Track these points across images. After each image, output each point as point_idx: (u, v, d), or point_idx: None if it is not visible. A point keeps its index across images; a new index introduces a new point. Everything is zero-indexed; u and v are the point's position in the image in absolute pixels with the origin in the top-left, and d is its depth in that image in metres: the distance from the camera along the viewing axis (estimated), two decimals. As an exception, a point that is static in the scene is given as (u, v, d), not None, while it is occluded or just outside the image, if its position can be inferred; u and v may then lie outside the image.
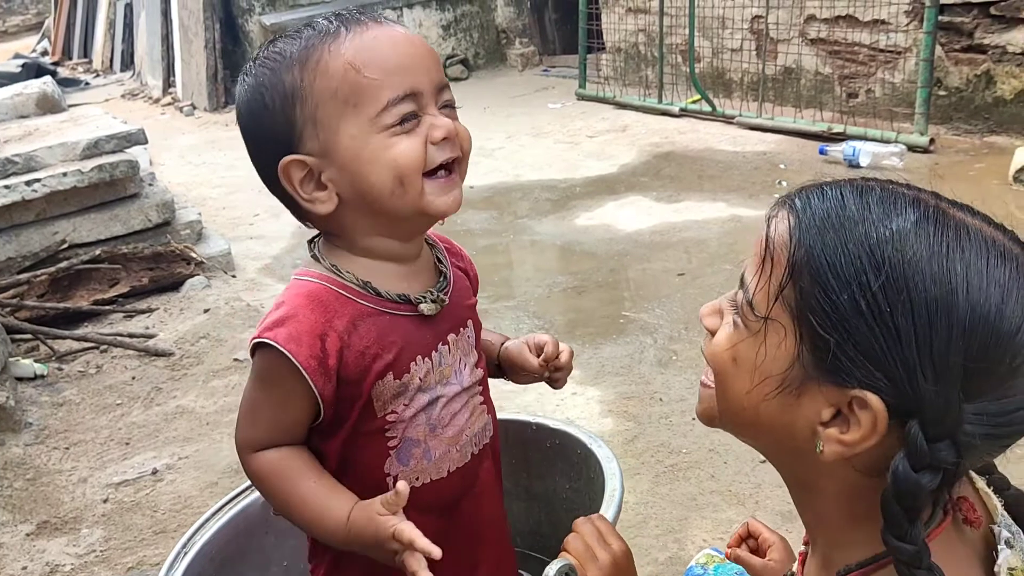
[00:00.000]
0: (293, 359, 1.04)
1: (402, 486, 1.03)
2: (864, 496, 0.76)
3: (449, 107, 1.10)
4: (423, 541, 1.00)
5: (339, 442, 1.12)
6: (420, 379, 1.13)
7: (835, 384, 0.73)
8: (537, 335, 1.41)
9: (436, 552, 1.00)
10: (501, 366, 1.40)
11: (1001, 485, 0.84)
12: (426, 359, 1.14)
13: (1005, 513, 0.81)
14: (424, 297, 1.14)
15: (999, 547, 0.77)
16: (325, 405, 1.08)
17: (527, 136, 5.87)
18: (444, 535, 1.17)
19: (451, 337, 1.17)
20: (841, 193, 0.76)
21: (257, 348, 1.08)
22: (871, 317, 0.70)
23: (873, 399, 0.71)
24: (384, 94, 1.03)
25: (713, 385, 0.85)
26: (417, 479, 1.15)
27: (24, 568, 2.23)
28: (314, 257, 1.14)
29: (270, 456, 1.10)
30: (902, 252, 0.70)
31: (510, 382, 1.40)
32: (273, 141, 1.07)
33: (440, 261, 1.21)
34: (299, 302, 1.08)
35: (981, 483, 0.83)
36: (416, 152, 1.05)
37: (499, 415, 1.49)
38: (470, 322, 1.22)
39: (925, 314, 0.69)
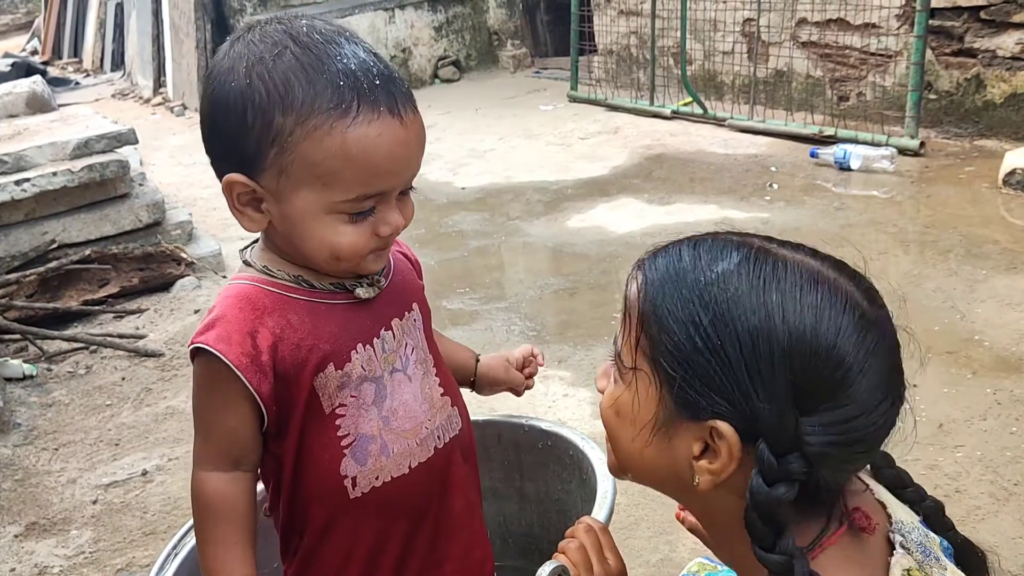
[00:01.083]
0: (224, 358, 1.03)
1: None
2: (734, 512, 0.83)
3: (407, 190, 1.09)
4: None
5: (292, 444, 1.10)
6: (363, 367, 1.11)
7: (693, 419, 0.82)
8: (515, 351, 1.43)
9: None
10: (475, 382, 1.41)
11: (897, 484, 0.92)
12: (367, 346, 1.11)
13: (904, 518, 0.88)
14: (360, 282, 1.12)
15: (895, 551, 0.84)
16: (264, 404, 1.06)
17: (519, 138, 5.87)
18: (413, 536, 1.17)
19: (395, 322, 1.15)
20: (679, 249, 0.87)
21: (194, 356, 1.07)
22: (706, 351, 0.80)
23: (723, 426, 0.79)
24: (357, 190, 1.01)
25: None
26: (377, 478, 1.12)
27: (12, 570, 2.22)
28: (246, 263, 1.13)
29: (215, 483, 1.09)
30: (725, 290, 0.80)
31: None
32: (233, 150, 1.04)
33: None
34: (228, 303, 1.07)
35: (883, 492, 0.91)
36: (360, 243, 1.05)
37: (491, 416, 1.50)
38: (415, 305, 1.20)
39: (749, 341, 0.78)
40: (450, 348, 1.38)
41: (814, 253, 0.86)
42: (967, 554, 0.92)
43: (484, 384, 1.41)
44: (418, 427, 1.15)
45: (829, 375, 0.78)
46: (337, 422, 1.10)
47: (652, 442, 0.86)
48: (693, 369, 0.81)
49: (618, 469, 0.95)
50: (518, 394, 1.45)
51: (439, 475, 1.18)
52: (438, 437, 1.18)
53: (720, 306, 0.80)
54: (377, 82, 1.00)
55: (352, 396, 1.10)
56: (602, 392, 0.94)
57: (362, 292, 1.11)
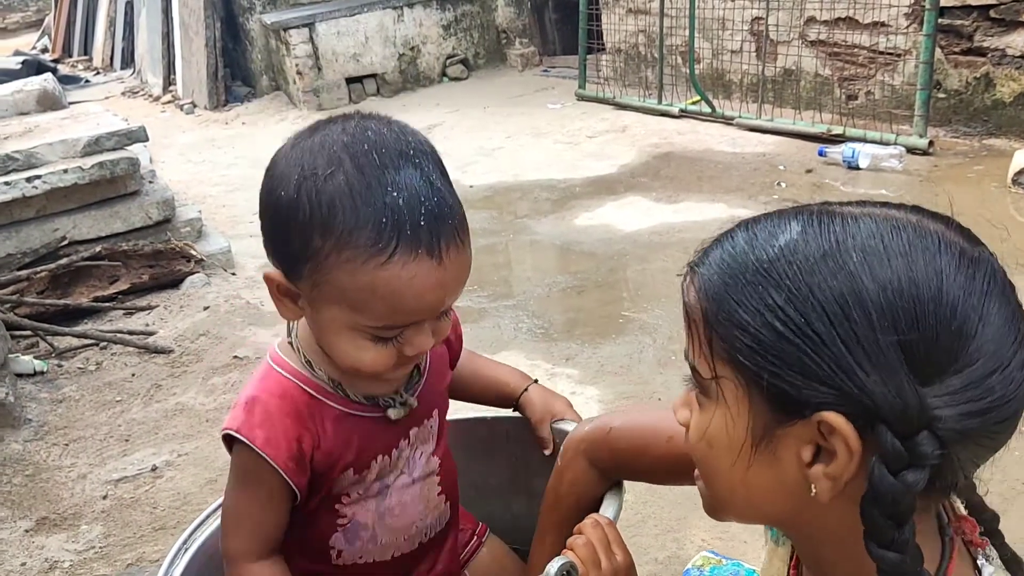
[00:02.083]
0: (273, 464, 1.08)
1: None
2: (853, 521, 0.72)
3: (444, 313, 1.06)
4: None
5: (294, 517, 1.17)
6: (377, 472, 1.17)
7: (795, 419, 0.70)
8: (566, 415, 1.38)
9: None
10: (515, 409, 1.42)
11: (979, 507, 0.82)
12: (386, 456, 1.17)
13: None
14: (392, 400, 1.15)
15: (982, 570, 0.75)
16: (301, 496, 1.13)
17: (527, 136, 5.87)
18: None
19: (413, 431, 1.20)
20: (731, 235, 0.77)
21: (234, 441, 1.10)
22: (791, 333, 0.69)
23: (832, 417, 0.68)
24: (384, 321, 1.01)
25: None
26: (360, 558, 1.20)
27: (23, 564, 2.23)
28: (290, 344, 1.15)
29: (262, 574, 1.13)
30: (794, 261, 0.70)
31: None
32: (277, 249, 1.04)
33: None
34: (275, 403, 1.10)
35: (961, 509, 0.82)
36: (382, 362, 1.05)
37: (499, 414, 1.49)
38: (436, 412, 1.23)
39: (838, 309, 0.67)
40: (494, 376, 1.42)
41: (885, 204, 0.76)
42: (1013, 569, 0.81)
43: (513, 408, 1.43)
44: (409, 526, 1.22)
45: (943, 329, 0.67)
46: (337, 506, 1.17)
47: (754, 461, 0.74)
48: (781, 359, 0.69)
49: (719, 509, 0.83)
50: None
51: (415, 565, 1.27)
52: (425, 534, 1.25)
53: (792, 280, 0.70)
54: (422, 222, 0.96)
55: (358, 492, 1.17)
56: (685, 425, 0.83)
57: (393, 413, 1.15)
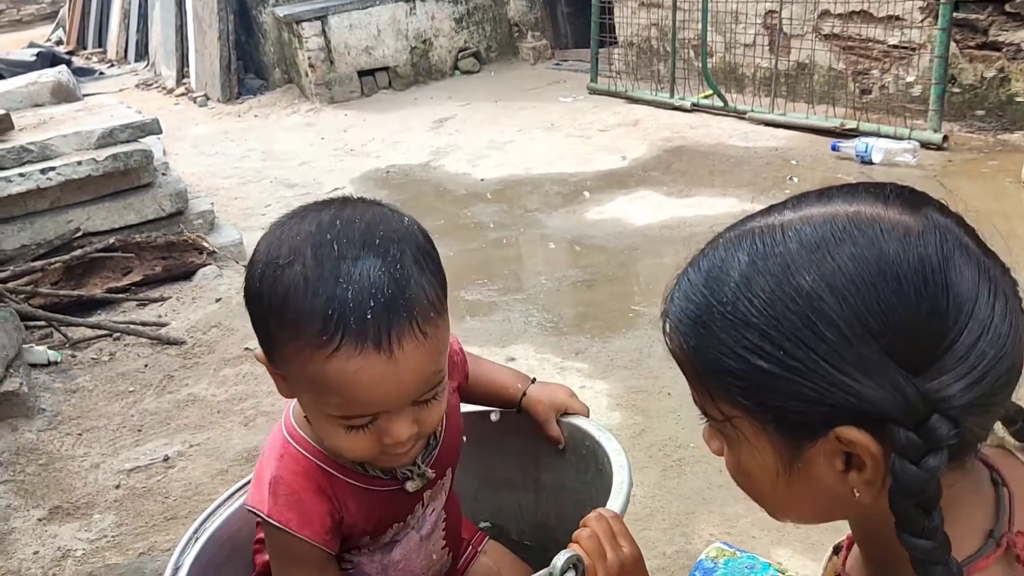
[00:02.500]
0: (311, 542, 1.11)
1: None
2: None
3: (429, 400, 1.04)
4: None
5: None
6: (392, 535, 1.21)
7: (815, 438, 0.72)
8: (571, 406, 1.40)
9: None
10: (519, 411, 1.43)
11: None
12: (400, 523, 1.21)
13: None
14: (410, 472, 1.17)
15: None
16: (334, 554, 1.16)
17: (538, 130, 5.87)
18: None
19: (427, 494, 1.22)
20: (688, 279, 0.77)
21: (267, 524, 1.12)
22: (775, 367, 0.70)
23: (846, 432, 0.69)
24: (342, 411, 1.00)
25: None
26: None
27: (36, 552, 2.26)
28: (306, 418, 1.13)
29: None
30: (753, 297, 0.71)
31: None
32: (254, 325, 1.04)
33: None
34: (299, 483, 1.12)
35: None
36: (362, 450, 1.04)
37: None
38: (449, 471, 1.25)
39: (809, 333, 0.68)
40: (493, 380, 1.42)
41: (819, 195, 0.76)
42: None
43: (518, 407, 1.44)
44: None
45: (916, 317, 0.67)
46: (346, 555, 1.20)
47: (792, 481, 0.75)
48: (776, 392, 0.71)
49: (778, 518, 0.84)
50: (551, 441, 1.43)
51: None
52: None
53: (758, 315, 0.71)
54: (368, 315, 0.93)
55: (368, 550, 1.21)
56: (719, 455, 0.84)
57: (410, 486, 1.17)
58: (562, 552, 1.02)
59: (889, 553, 0.76)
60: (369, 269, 0.95)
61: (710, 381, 0.76)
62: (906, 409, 0.67)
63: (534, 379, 1.44)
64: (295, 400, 1.15)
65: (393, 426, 1.01)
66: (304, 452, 1.13)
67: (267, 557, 1.23)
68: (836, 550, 0.94)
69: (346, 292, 0.94)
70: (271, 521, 1.10)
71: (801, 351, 0.69)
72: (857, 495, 0.72)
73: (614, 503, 1.17)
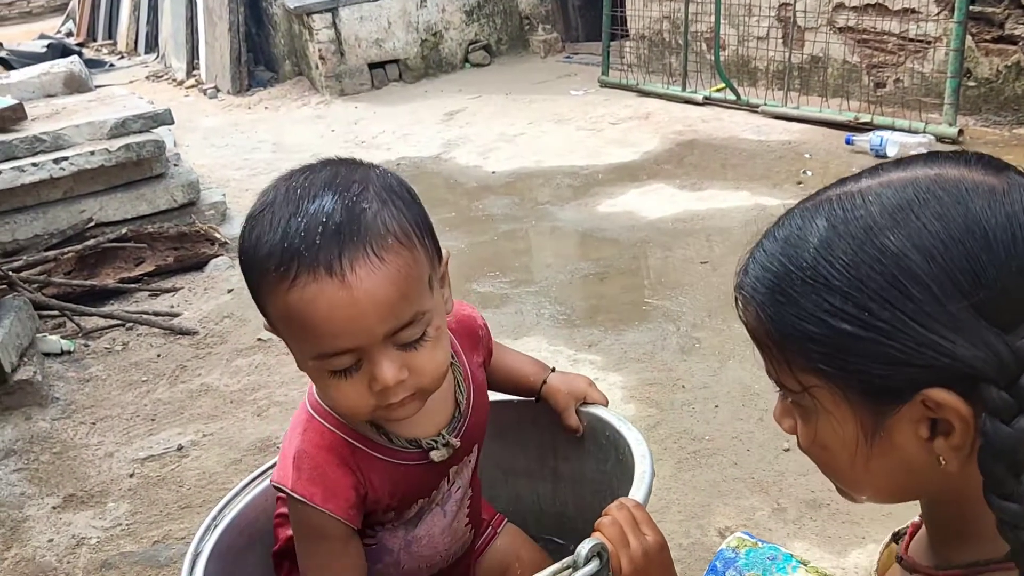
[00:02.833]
0: (336, 516, 1.10)
1: None
2: (974, 473, 0.71)
3: (414, 342, 1.01)
4: None
5: None
6: (415, 509, 1.20)
7: (899, 404, 0.70)
8: (590, 395, 1.40)
9: None
10: (538, 399, 1.43)
11: None
12: (426, 497, 1.20)
13: None
14: (435, 442, 1.16)
15: None
16: (357, 529, 1.15)
17: (549, 122, 5.85)
18: None
19: (453, 469, 1.20)
20: (763, 249, 0.77)
21: (291, 499, 1.12)
22: (861, 330, 0.69)
23: (935, 394, 0.67)
24: (314, 350, 0.99)
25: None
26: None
27: (50, 540, 2.26)
28: None
29: None
30: (835, 259, 0.70)
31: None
32: (249, 285, 1.04)
33: (458, 386, 1.20)
34: (323, 457, 1.11)
35: None
36: (354, 399, 1.02)
37: (526, 397, 1.49)
38: (476, 447, 1.24)
39: (896, 292, 0.67)
40: (514, 367, 1.42)
41: (896, 163, 0.75)
42: None
43: (537, 398, 1.43)
44: (434, 555, 1.24)
45: (1006, 274, 0.66)
46: (368, 530, 1.19)
47: (873, 453, 0.74)
48: (860, 355, 0.69)
49: (852, 495, 0.83)
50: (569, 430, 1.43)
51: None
52: (447, 560, 1.28)
53: (840, 278, 0.69)
54: (318, 240, 0.94)
55: (392, 525, 1.20)
56: (791, 433, 0.82)
57: (436, 456, 1.16)
58: (586, 541, 1.02)
59: (965, 525, 0.75)
60: (325, 203, 0.97)
61: (789, 349, 0.74)
62: (999, 367, 0.66)
63: (553, 368, 1.43)
64: None
65: (376, 368, 0.99)
66: (328, 425, 1.12)
67: (290, 532, 1.22)
68: (896, 537, 0.92)
69: (300, 223, 0.95)
70: (295, 495, 1.09)
71: (887, 311, 0.68)
72: (943, 463, 0.70)
73: (636, 492, 1.16)
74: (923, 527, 0.87)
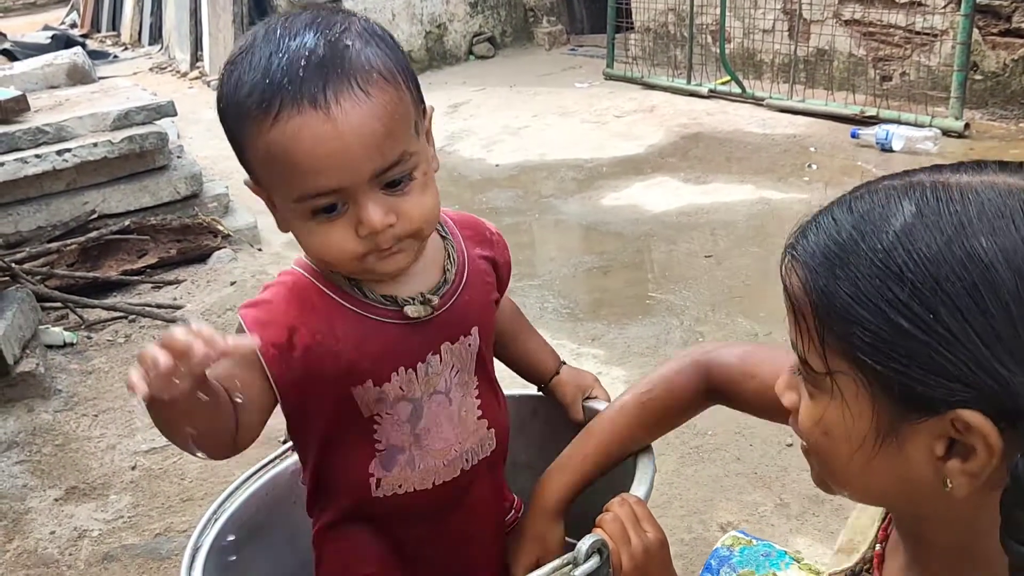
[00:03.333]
0: (255, 344, 1.03)
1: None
2: (989, 508, 0.67)
3: (401, 182, 0.98)
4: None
5: (319, 435, 1.12)
6: (401, 388, 1.10)
7: (926, 415, 0.65)
8: (596, 390, 1.39)
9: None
10: (544, 390, 1.41)
11: None
12: (409, 370, 1.09)
13: None
14: (412, 299, 1.08)
15: None
16: (280, 390, 1.05)
17: (553, 115, 5.83)
18: (431, 540, 1.20)
19: (445, 346, 1.12)
20: (832, 218, 0.71)
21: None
22: (919, 331, 0.64)
23: (970, 416, 0.63)
24: (297, 191, 0.96)
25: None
26: (400, 487, 1.14)
27: (52, 532, 2.27)
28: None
29: None
30: (914, 250, 0.64)
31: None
32: (229, 135, 1.02)
33: (449, 257, 1.14)
34: (281, 291, 1.07)
35: None
36: (343, 245, 0.99)
37: (526, 391, 1.48)
38: (475, 329, 1.15)
39: (971, 302, 0.62)
40: (532, 349, 1.39)
41: (1003, 166, 0.69)
42: None
43: (543, 389, 1.42)
44: (447, 448, 1.15)
45: None
46: (374, 427, 1.12)
47: (877, 454, 0.70)
48: (909, 358, 0.64)
49: (831, 487, 0.79)
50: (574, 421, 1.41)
51: (461, 494, 1.19)
52: (466, 460, 1.18)
53: (915, 271, 0.64)
54: (302, 72, 0.92)
55: (388, 412, 1.11)
56: (792, 408, 0.78)
57: (411, 311, 1.08)
58: (586, 537, 1.02)
59: (964, 557, 0.72)
60: (307, 40, 0.95)
61: (829, 328, 0.69)
62: None
63: (564, 362, 1.43)
64: None
65: (362, 211, 0.96)
66: (303, 272, 1.09)
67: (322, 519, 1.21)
68: None
69: (282, 58, 0.93)
70: (239, 315, 1.07)
71: (955, 320, 0.62)
72: (949, 486, 0.66)
73: (638, 488, 1.16)
74: (892, 557, 0.84)
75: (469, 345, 1.15)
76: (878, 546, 0.87)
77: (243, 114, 0.95)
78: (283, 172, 0.96)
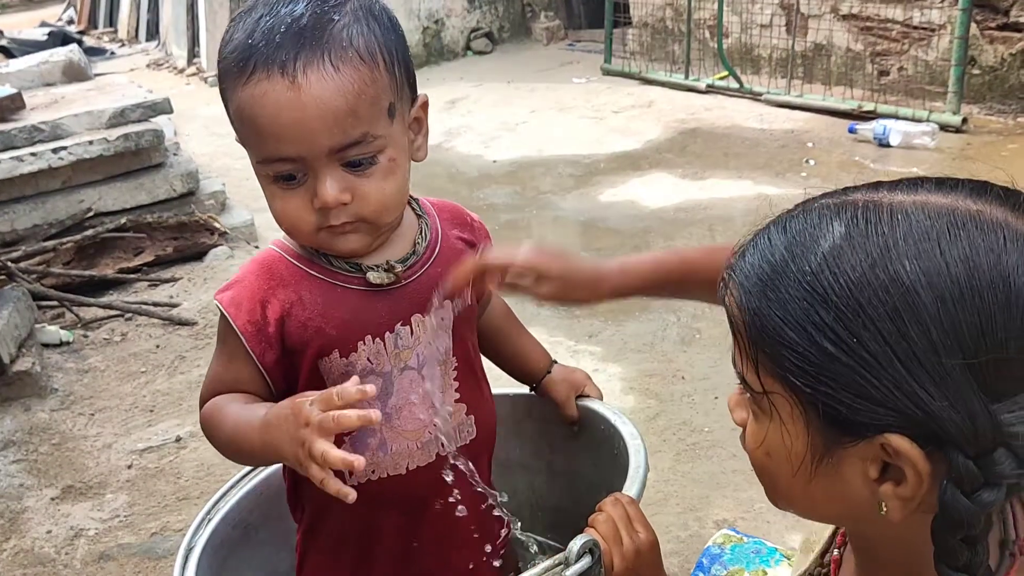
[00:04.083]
0: (232, 322, 1.06)
1: (374, 413, 0.93)
2: (927, 531, 0.67)
3: (361, 163, 0.99)
4: (336, 455, 0.89)
5: None
6: (369, 360, 1.09)
7: (857, 438, 0.65)
8: (587, 388, 1.39)
9: (357, 462, 0.89)
10: (536, 389, 1.40)
11: None
12: (377, 339, 1.08)
13: None
14: (377, 266, 1.08)
15: None
16: (267, 371, 1.07)
17: (551, 111, 5.82)
18: (409, 534, 1.17)
19: (416, 318, 1.10)
20: (767, 236, 0.71)
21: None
22: (843, 355, 0.63)
23: (897, 441, 0.63)
24: (259, 153, 1.00)
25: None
26: (373, 472, 1.12)
27: (48, 532, 2.26)
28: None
29: (216, 398, 1.11)
30: (840, 273, 0.64)
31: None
32: (222, 95, 1.05)
33: (422, 232, 1.14)
34: (251, 268, 1.09)
35: None
36: (297, 214, 1.01)
37: (521, 390, 1.48)
38: (449, 304, 1.12)
39: (893, 327, 0.62)
40: (524, 349, 1.38)
41: (939, 184, 0.68)
42: None
43: (535, 388, 1.41)
44: (420, 430, 1.13)
45: (1016, 341, 0.60)
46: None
47: (816, 475, 0.69)
48: (835, 380, 0.64)
49: (780, 505, 0.79)
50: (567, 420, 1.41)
51: (439, 482, 1.15)
52: (442, 444, 1.14)
53: (839, 294, 0.64)
54: (278, 39, 0.95)
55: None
56: (741, 425, 0.78)
57: (372, 276, 1.07)
58: (578, 537, 1.01)
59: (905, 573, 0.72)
60: (298, 7, 0.97)
61: (762, 349, 0.69)
62: (974, 436, 0.61)
63: (555, 361, 1.42)
64: None
65: (318, 184, 0.98)
66: (273, 246, 1.11)
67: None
68: None
69: (267, 22, 0.96)
70: (216, 302, 1.09)
71: (877, 345, 0.62)
72: (884, 509, 0.66)
73: (630, 488, 1.15)
74: (847, 564, 0.83)
75: (443, 319, 1.12)
76: (836, 551, 0.87)
77: (226, 70, 0.99)
78: (250, 132, 0.99)
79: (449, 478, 1.16)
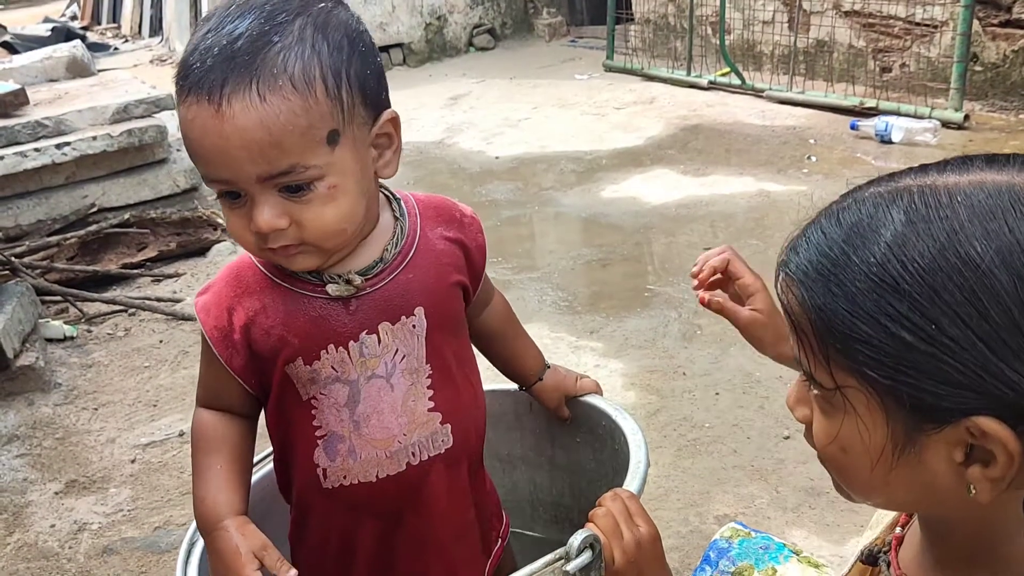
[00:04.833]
0: (201, 328, 1.09)
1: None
2: (1014, 508, 0.67)
3: (301, 188, 0.96)
4: None
5: (272, 419, 1.15)
6: (334, 368, 1.08)
7: (941, 424, 0.64)
8: (583, 383, 1.40)
9: None
10: (529, 392, 1.40)
11: None
12: (340, 348, 1.07)
13: None
14: (337, 276, 1.06)
15: None
16: (237, 374, 1.09)
17: (553, 107, 5.82)
18: (386, 541, 1.17)
19: (384, 326, 1.08)
20: (822, 231, 0.69)
21: None
22: (922, 343, 0.62)
23: (984, 423, 0.62)
24: (201, 170, 0.99)
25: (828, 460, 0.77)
26: (345, 477, 1.12)
27: (52, 526, 2.28)
28: None
29: (206, 417, 1.13)
30: (909, 260, 0.63)
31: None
32: None
33: (394, 237, 1.11)
34: (223, 274, 1.11)
35: None
36: (240, 232, 1.01)
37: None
38: (420, 311, 1.10)
39: (972, 309, 0.61)
40: (518, 352, 1.38)
41: (990, 161, 0.67)
42: None
43: (529, 390, 1.42)
44: (390, 439, 1.11)
45: None
46: (312, 412, 1.11)
47: (898, 465, 0.68)
48: (916, 368, 0.63)
49: (855, 498, 0.77)
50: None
51: (411, 492, 1.14)
52: (413, 453, 1.12)
53: (911, 283, 0.62)
54: (210, 62, 0.92)
55: (322, 393, 1.09)
56: (804, 423, 0.76)
57: (331, 289, 1.06)
58: (578, 532, 1.02)
59: (980, 553, 0.72)
60: (240, 26, 0.94)
61: (832, 345, 0.67)
62: None
63: (548, 365, 1.42)
64: None
65: (253, 209, 0.97)
66: (247, 254, 1.11)
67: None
68: (869, 558, 0.88)
69: (209, 40, 0.94)
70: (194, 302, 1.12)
71: (957, 328, 0.61)
72: (973, 491, 0.65)
73: (631, 483, 1.16)
74: (910, 541, 0.83)
75: (413, 327, 1.10)
76: (899, 529, 0.86)
77: (174, 82, 0.98)
78: (188, 150, 0.99)
79: (423, 488, 1.15)
